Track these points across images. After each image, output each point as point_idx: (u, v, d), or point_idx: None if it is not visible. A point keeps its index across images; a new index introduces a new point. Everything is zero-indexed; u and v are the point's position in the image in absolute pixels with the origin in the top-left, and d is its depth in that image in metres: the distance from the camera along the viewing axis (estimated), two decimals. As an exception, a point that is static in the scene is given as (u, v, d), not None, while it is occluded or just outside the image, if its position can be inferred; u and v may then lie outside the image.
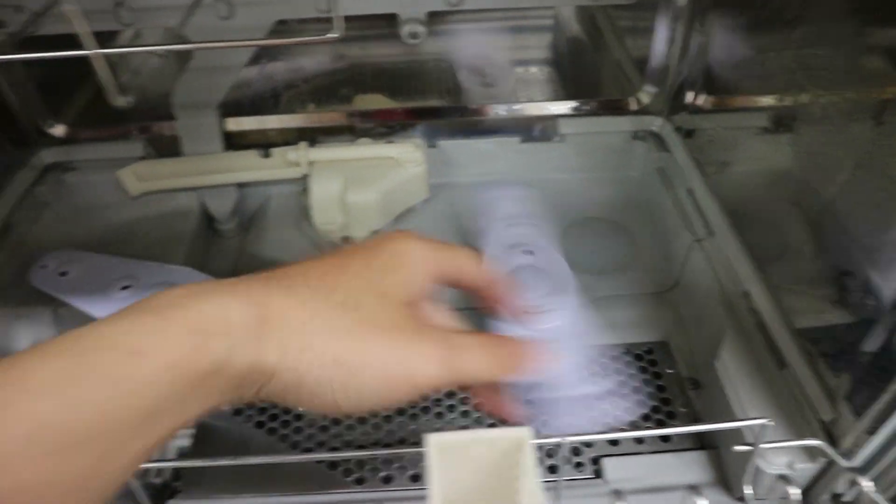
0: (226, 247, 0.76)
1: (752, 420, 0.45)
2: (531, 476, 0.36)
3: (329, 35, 0.47)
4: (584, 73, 0.96)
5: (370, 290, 0.36)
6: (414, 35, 0.69)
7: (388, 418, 0.60)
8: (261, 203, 0.79)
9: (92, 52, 0.46)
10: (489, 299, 0.44)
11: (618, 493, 0.51)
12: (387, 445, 0.58)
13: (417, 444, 0.38)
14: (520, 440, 0.37)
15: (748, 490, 0.48)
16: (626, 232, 0.74)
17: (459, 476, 0.38)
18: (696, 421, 0.58)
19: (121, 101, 0.48)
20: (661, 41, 0.71)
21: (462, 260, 0.41)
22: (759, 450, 0.45)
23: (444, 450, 0.37)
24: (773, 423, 0.43)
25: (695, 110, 0.73)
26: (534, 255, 0.63)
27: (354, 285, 0.36)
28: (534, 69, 1.02)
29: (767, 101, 0.61)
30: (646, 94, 0.76)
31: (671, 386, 0.61)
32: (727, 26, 0.66)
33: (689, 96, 0.73)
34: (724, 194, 0.65)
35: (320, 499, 0.54)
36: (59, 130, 0.75)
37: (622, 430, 0.57)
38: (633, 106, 0.76)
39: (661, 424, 0.58)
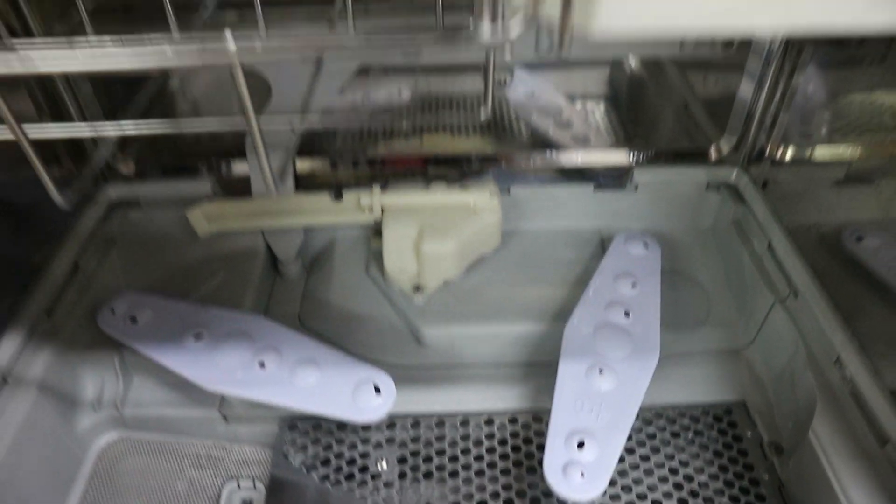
0: (289, 289, 0.75)
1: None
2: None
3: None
4: (645, 113, 0.95)
5: None
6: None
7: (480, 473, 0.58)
8: (324, 245, 0.78)
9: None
10: None
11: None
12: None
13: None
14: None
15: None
16: (699, 286, 0.72)
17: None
18: (781, 488, 0.56)
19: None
20: (747, 87, 0.69)
21: None
22: None
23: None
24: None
25: (776, 161, 0.71)
26: (629, 317, 0.62)
27: None
28: (589, 103, 1.01)
29: (856, 150, 0.59)
30: (726, 143, 0.74)
31: (753, 450, 0.60)
32: (818, 70, 0.64)
33: (770, 146, 0.71)
34: (811, 251, 0.63)
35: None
36: (126, 166, 0.74)
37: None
38: (714, 155, 0.74)
39: (744, 492, 0.56)
